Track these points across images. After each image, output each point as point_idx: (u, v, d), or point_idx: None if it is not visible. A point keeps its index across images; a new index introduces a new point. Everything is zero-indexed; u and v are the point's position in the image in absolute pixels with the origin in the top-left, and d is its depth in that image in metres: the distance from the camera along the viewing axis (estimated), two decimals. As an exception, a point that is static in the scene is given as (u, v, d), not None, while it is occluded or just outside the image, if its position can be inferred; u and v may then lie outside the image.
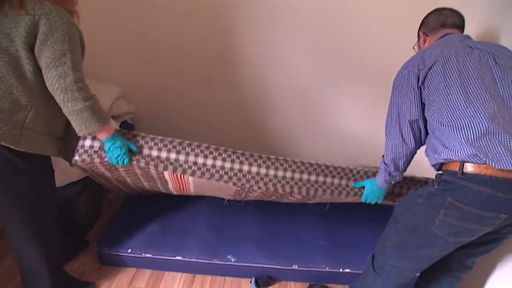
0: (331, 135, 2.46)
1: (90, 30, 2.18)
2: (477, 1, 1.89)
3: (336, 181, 1.55)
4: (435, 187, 1.11)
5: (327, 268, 1.74)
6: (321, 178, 1.54)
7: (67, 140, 1.37)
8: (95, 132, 1.26)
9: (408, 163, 1.33)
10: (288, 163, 1.52)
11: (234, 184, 1.50)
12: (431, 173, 1.31)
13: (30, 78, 1.15)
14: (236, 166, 1.48)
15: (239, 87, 2.35)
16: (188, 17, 2.09)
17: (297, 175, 1.52)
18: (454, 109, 1.09)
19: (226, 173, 1.48)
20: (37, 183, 1.27)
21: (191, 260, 1.73)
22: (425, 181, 1.56)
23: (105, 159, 1.40)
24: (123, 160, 1.38)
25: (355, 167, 1.57)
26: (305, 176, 1.53)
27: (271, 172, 1.50)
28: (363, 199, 1.53)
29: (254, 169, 1.49)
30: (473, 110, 1.05)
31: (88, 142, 1.40)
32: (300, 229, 1.95)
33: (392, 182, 1.42)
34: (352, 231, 1.97)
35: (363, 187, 1.52)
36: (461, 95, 1.08)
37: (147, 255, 1.73)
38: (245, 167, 1.49)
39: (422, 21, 1.47)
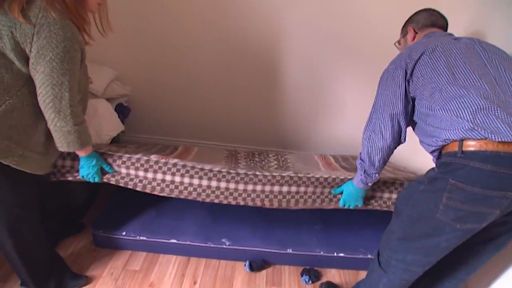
0: (339, 122, 2.44)
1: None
2: (466, 3, 1.86)
3: (317, 190, 1.51)
4: (436, 170, 1.08)
5: (322, 252, 1.74)
6: (302, 188, 1.51)
7: (46, 155, 1.27)
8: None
9: (384, 162, 1.29)
10: (258, 177, 1.49)
11: (203, 200, 1.50)
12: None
13: (10, 79, 1.09)
14: (204, 182, 1.47)
15: (240, 69, 2.31)
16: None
17: (267, 188, 1.49)
18: (445, 93, 1.07)
19: (195, 189, 1.48)
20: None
21: (185, 243, 1.73)
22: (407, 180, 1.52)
23: (77, 177, 1.43)
24: (94, 178, 1.42)
25: (330, 176, 1.53)
26: (276, 188, 1.49)
27: (241, 186, 1.49)
28: (340, 204, 1.50)
29: (222, 184, 1.48)
30: (464, 92, 1.04)
31: (60, 162, 1.43)
32: (295, 213, 1.94)
33: (369, 184, 1.38)
34: (347, 215, 1.96)
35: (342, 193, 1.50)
36: (450, 79, 1.08)
37: (141, 238, 1.73)
38: (213, 183, 1.48)
39: (411, 18, 1.48)
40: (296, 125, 2.46)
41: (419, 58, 1.17)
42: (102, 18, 1.28)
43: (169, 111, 2.45)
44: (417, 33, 1.42)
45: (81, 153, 1.33)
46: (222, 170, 1.48)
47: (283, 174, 1.51)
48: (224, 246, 1.73)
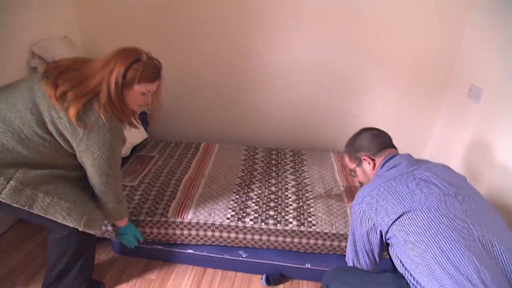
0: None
1: (109, 27, 2.30)
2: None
3: (318, 241, 1.66)
4: None
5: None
6: (304, 240, 1.67)
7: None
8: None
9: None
10: (263, 229, 1.66)
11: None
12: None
13: (55, 154, 1.25)
14: (217, 234, 1.68)
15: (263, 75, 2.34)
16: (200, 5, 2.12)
17: (272, 238, 1.67)
18: (430, 264, 0.98)
19: (209, 239, 1.70)
20: None
21: (202, 254, 1.72)
22: None
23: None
24: (129, 244, 1.60)
25: (331, 231, 1.64)
26: (280, 239, 1.67)
27: (248, 236, 1.67)
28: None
29: (232, 235, 1.68)
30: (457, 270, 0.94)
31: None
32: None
33: None
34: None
35: None
36: (438, 256, 0.98)
37: (158, 246, 1.73)
38: (224, 234, 1.68)
39: (355, 144, 1.35)
40: (315, 124, 2.46)
41: (391, 225, 1.07)
42: (153, 110, 1.45)
43: (189, 116, 2.51)
44: (373, 159, 1.30)
45: (118, 224, 1.52)
46: (231, 223, 1.66)
47: (286, 228, 1.65)
48: (241, 258, 1.70)
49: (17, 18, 1.82)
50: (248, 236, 1.67)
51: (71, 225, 1.27)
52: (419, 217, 1.03)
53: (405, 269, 1.06)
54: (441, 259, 0.96)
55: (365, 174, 1.34)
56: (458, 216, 1.02)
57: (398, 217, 1.06)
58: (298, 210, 1.76)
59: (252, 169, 2.08)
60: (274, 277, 1.68)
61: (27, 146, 1.18)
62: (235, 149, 2.30)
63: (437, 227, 1.00)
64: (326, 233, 1.65)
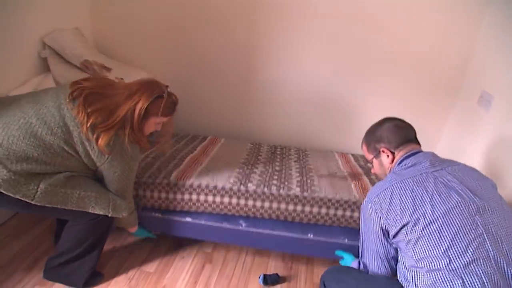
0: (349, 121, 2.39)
1: (120, 20, 2.32)
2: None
3: (322, 210, 1.66)
4: None
5: (346, 240, 1.63)
6: (307, 208, 1.66)
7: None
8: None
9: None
10: (265, 194, 1.66)
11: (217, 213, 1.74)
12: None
13: (75, 166, 1.35)
14: (217, 199, 1.69)
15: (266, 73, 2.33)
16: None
17: (274, 205, 1.67)
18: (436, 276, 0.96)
19: (210, 205, 1.71)
20: None
21: (200, 222, 1.70)
22: None
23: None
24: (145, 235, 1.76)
25: (334, 197, 1.65)
26: (282, 206, 1.67)
27: (250, 202, 1.68)
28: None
29: (234, 200, 1.68)
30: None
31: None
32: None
33: None
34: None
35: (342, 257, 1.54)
36: (446, 263, 0.95)
37: (157, 214, 1.72)
38: (226, 199, 1.68)
39: (375, 134, 1.27)
40: (318, 124, 2.44)
41: (401, 229, 1.03)
42: (164, 132, 1.55)
43: (196, 111, 2.52)
44: (393, 152, 1.22)
45: (129, 230, 1.65)
46: (233, 187, 1.67)
47: (289, 193, 1.66)
48: (240, 228, 1.68)
49: (30, 8, 1.85)
50: (250, 203, 1.66)
51: (101, 213, 1.39)
52: (431, 229, 0.98)
53: (408, 275, 1.04)
54: (448, 274, 0.93)
55: (382, 166, 1.27)
56: (475, 231, 0.95)
57: (409, 223, 1.00)
58: (302, 181, 1.77)
59: (257, 155, 2.10)
60: (271, 277, 1.68)
61: (54, 160, 1.27)
62: (241, 142, 2.31)
63: (450, 242, 0.95)
64: (329, 200, 1.63)
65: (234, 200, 1.67)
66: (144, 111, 1.32)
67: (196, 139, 2.28)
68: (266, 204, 1.66)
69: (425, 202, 1.00)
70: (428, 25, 2.03)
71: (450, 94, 2.17)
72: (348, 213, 1.64)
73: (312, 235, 1.65)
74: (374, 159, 1.29)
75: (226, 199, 1.67)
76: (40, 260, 1.68)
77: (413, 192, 1.03)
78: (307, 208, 1.65)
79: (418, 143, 1.24)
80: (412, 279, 1.02)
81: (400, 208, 1.02)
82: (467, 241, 0.94)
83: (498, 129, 1.73)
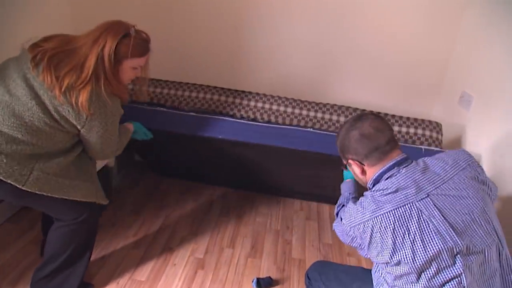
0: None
1: (104, 14, 2.26)
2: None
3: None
4: None
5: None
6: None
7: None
8: None
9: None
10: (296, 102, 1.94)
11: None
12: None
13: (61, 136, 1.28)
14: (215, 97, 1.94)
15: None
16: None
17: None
18: None
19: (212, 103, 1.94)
20: None
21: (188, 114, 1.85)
22: None
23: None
24: (147, 135, 1.71)
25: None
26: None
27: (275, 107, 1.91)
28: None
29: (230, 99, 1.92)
30: None
31: None
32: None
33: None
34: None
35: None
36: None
37: (161, 108, 1.86)
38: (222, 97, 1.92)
39: (342, 143, 1.14)
40: None
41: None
42: (141, 83, 1.49)
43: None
44: (364, 165, 1.09)
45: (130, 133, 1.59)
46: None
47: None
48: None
49: (11, 15, 1.79)
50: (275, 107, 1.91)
51: (90, 200, 1.38)
52: (409, 278, 0.96)
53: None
54: None
55: (356, 176, 1.17)
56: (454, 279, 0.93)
57: (389, 263, 0.98)
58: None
59: None
60: (264, 280, 1.69)
61: (40, 137, 1.21)
62: None
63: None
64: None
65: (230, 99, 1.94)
66: (113, 54, 1.21)
67: None
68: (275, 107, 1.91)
69: (406, 247, 0.94)
70: (408, 26, 2.08)
71: (432, 95, 2.24)
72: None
73: (311, 128, 1.84)
74: (348, 166, 1.19)
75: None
76: (26, 273, 1.64)
77: (394, 232, 0.95)
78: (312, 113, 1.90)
79: (393, 147, 1.08)
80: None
81: (381, 247, 0.98)
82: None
83: (476, 127, 1.80)
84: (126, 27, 1.26)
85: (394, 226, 0.95)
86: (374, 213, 0.98)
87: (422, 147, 1.69)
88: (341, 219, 1.16)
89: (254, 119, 1.88)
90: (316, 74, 2.28)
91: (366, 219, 1.00)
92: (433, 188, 0.98)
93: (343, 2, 2.06)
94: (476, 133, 1.80)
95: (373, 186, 1.07)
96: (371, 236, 0.99)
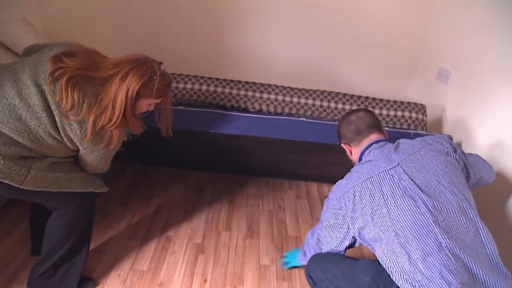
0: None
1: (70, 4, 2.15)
2: None
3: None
4: None
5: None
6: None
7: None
8: None
9: None
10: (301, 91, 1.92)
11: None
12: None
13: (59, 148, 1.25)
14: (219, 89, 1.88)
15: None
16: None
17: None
18: (402, 271, 1.06)
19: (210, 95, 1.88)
20: None
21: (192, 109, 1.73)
22: None
23: None
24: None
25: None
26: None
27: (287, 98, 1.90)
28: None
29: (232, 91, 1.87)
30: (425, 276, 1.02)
31: None
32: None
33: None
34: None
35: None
36: (406, 260, 1.05)
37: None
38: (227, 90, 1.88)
39: (338, 132, 1.42)
40: None
41: (363, 227, 1.15)
42: (163, 119, 1.43)
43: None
44: (352, 147, 1.36)
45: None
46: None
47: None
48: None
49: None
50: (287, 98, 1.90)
51: (88, 190, 1.35)
52: (390, 233, 1.09)
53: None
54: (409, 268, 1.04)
55: (349, 158, 1.42)
56: (427, 228, 1.05)
57: (369, 224, 1.13)
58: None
59: None
60: None
61: (40, 146, 1.18)
62: None
63: (405, 239, 1.06)
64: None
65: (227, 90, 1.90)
66: (135, 94, 1.21)
67: None
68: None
69: (382, 206, 1.11)
70: (384, 4, 2.15)
71: (410, 70, 2.34)
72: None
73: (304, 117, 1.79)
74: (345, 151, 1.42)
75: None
76: (18, 273, 1.57)
77: (371, 195, 1.14)
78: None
79: (374, 130, 1.31)
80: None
81: (362, 210, 1.15)
82: (420, 238, 1.05)
83: (455, 101, 1.91)
84: (153, 70, 1.24)
85: (371, 190, 1.15)
86: (355, 182, 1.19)
87: (411, 131, 1.74)
88: (325, 204, 1.35)
89: (245, 109, 1.88)
90: (294, 58, 2.30)
91: (349, 187, 1.20)
92: (402, 159, 1.18)
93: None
94: (455, 106, 1.91)
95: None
96: (353, 202, 1.17)
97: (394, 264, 1.07)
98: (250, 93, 1.90)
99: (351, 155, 1.38)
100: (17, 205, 1.91)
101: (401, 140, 1.27)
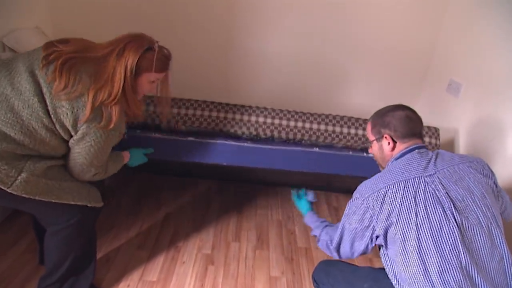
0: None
1: (82, 14, 2.16)
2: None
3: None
4: None
5: (350, 152, 1.67)
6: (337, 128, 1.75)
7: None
8: None
9: None
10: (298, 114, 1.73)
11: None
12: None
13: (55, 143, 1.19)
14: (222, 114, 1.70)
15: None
16: None
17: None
18: (413, 280, 1.03)
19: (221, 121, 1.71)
20: None
21: (204, 140, 1.66)
22: None
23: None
24: (141, 162, 1.59)
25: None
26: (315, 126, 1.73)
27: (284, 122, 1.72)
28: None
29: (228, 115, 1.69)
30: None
31: None
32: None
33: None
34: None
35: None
36: (421, 270, 1.01)
37: (156, 135, 1.64)
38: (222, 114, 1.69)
39: (384, 119, 1.25)
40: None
41: (389, 227, 1.08)
42: (162, 95, 1.39)
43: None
44: (395, 142, 1.22)
45: (124, 162, 1.48)
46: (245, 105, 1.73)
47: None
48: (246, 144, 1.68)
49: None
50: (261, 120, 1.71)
51: (81, 203, 1.28)
52: (411, 239, 1.03)
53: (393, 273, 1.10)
54: (425, 280, 1.00)
55: (381, 151, 1.26)
56: (452, 246, 1.02)
57: (392, 225, 1.06)
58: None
59: None
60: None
61: (34, 140, 1.13)
62: None
63: (426, 255, 1.02)
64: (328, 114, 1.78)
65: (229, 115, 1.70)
66: (135, 68, 1.18)
67: None
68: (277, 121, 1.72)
69: (411, 211, 1.05)
70: (395, 16, 2.16)
71: (420, 82, 2.34)
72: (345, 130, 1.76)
73: (317, 148, 1.72)
74: (375, 141, 1.28)
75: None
76: (27, 283, 1.55)
77: (402, 198, 1.07)
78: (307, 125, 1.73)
79: (422, 137, 1.25)
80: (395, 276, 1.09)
81: (388, 211, 1.07)
82: (443, 252, 1.01)
83: (466, 113, 1.91)
84: (150, 41, 1.23)
85: (403, 193, 1.07)
86: (387, 182, 1.11)
87: None
88: (348, 207, 1.22)
89: (257, 135, 1.75)
90: (301, 70, 2.31)
91: (380, 187, 1.11)
92: (440, 169, 1.12)
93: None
94: (466, 118, 1.91)
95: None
96: (382, 202, 1.08)
97: (405, 271, 1.03)
98: (261, 119, 1.74)
99: (389, 150, 1.23)
100: (25, 214, 1.90)
101: (440, 151, 1.22)
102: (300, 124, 1.73)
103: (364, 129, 1.75)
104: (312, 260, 1.86)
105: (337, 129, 1.74)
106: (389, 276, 1.12)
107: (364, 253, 1.17)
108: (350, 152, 1.74)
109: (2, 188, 1.08)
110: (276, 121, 1.72)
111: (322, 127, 1.73)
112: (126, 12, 2.16)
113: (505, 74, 1.67)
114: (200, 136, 1.68)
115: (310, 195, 1.58)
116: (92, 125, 1.15)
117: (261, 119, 1.72)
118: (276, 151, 1.70)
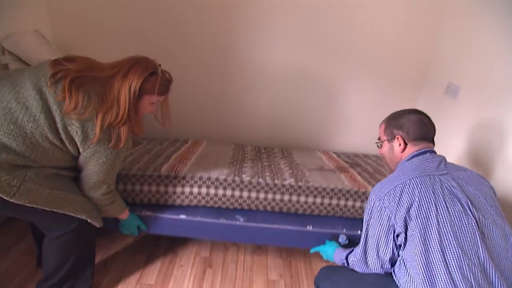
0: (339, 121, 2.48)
1: (81, 18, 2.18)
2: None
3: (317, 200, 1.69)
4: None
5: (344, 230, 1.66)
6: (302, 198, 1.69)
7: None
8: None
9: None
10: (260, 185, 1.67)
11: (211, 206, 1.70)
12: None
13: (60, 156, 1.22)
14: (212, 191, 1.65)
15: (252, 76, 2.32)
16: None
17: (269, 195, 1.67)
18: (430, 276, 1.01)
19: (203, 198, 1.66)
20: None
21: (195, 219, 1.63)
22: None
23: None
24: (133, 233, 1.61)
25: (329, 186, 1.71)
26: (277, 196, 1.68)
27: (245, 194, 1.67)
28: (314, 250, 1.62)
29: (228, 192, 1.66)
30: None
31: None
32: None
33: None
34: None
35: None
36: (442, 263, 1.00)
37: (147, 213, 1.62)
38: (220, 191, 1.65)
39: (398, 120, 1.28)
40: (301, 124, 2.49)
41: (408, 226, 1.07)
42: (163, 115, 1.44)
43: (175, 113, 2.43)
44: (406, 144, 1.25)
45: (120, 217, 1.52)
46: (228, 178, 1.66)
47: (284, 183, 1.68)
48: (238, 223, 1.63)
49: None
50: (245, 194, 1.66)
51: (81, 217, 1.28)
52: (432, 232, 1.02)
53: (407, 271, 1.07)
54: (444, 272, 0.98)
55: (391, 152, 1.30)
56: (471, 239, 1.02)
57: (412, 220, 1.04)
58: (293, 173, 1.81)
59: (243, 154, 2.09)
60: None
61: (36, 151, 1.14)
62: (224, 144, 2.27)
63: (447, 248, 1.01)
64: (324, 189, 1.69)
65: (228, 192, 1.65)
66: (138, 90, 1.23)
67: (177, 142, 2.22)
68: (262, 195, 1.66)
69: (431, 204, 1.05)
70: (392, 21, 2.17)
71: (418, 85, 2.34)
72: (342, 202, 1.69)
73: (311, 227, 1.66)
74: (387, 141, 1.31)
75: (220, 191, 1.65)
76: (25, 284, 1.54)
77: (420, 192, 1.07)
78: (302, 198, 1.68)
79: (433, 142, 1.27)
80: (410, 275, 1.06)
81: (408, 205, 1.06)
82: (463, 247, 1.01)
83: (464, 115, 1.91)
84: (154, 66, 1.29)
85: (420, 188, 1.08)
86: (402, 178, 1.12)
87: None
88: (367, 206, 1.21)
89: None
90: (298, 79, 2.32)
91: (395, 184, 1.12)
92: (451, 171, 1.15)
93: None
94: (464, 120, 1.91)
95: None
96: (400, 198, 1.08)
97: (421, 267, 1.01)
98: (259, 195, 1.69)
99: (400, 151, 1.26)
100: (23, 217, 1.90)
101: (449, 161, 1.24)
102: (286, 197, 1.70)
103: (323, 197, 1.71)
104: (310, 263, 1.85)
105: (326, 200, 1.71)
106: (401, 280, 1.09)
107: (392, 261, 1.14)
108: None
109: (5, 198, 1.08)
110: (269, 196, 1.68)
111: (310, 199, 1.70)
112: (125, 16, 2.17)
113: (503, 76, 1.67)
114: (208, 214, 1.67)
115: (342, 238, 1.61)
116: (102, 144, 1.20)
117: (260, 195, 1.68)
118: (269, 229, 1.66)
